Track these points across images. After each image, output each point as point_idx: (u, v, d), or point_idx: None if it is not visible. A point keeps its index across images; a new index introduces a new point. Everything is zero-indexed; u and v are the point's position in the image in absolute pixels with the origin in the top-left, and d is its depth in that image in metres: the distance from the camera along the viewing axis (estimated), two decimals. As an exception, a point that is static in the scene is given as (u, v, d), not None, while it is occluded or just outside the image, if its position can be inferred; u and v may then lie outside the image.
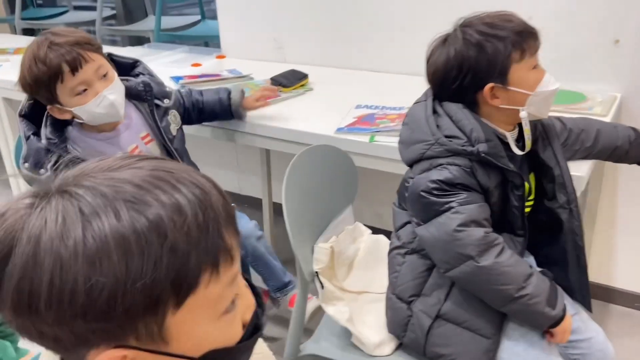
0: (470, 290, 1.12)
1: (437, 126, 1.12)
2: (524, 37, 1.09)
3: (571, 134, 1.29)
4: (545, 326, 1.11)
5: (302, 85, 1.98)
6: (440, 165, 1.09)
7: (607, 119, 1.59)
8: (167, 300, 0.49)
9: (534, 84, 1.11)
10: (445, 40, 1.14)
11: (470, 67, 1.09)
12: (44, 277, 0.47)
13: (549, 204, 1.21)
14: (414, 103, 1.22)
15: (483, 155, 1.07)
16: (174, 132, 1.58)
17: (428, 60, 1.17)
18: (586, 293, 1.22)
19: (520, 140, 1.19)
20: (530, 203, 1.25)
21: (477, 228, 1.07)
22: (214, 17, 2.66)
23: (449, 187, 1.08)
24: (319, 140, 1.55)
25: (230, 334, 0.56)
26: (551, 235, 1.23)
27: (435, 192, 1.08)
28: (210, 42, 3.17)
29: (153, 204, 0.49)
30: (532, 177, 1.24)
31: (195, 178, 0.53)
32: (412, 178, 1.14)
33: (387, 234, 1.66)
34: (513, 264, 1.08)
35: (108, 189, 0.49)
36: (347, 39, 2.15)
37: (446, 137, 1.10)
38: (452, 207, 1.07)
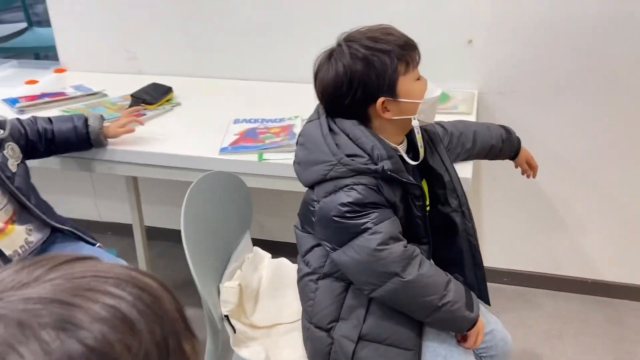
0: (396, 306, 1.12)
1: (337, 145, 1.10)
2: (407, 50, 1.11)
3: (452, 137, 1.35)
4: (465, 329, 1.15)
5: (168, 100, 1.82)
6: (347, 186, 1.07)
7: (472, 117, 1.71)
8: None
9: (421, 93, 1.14)
10: (330, 55, 1.12)
11: (361, 82, 1.09)
12: None
13: (442, 208, 1.25)
14: (307, 121, 1.18)
15: (389, 172, 1.07)
16: (13, 169, 1.35)
17: (316, 77, 1.14)
18: (484, 289, 1.29)
19: (410, 151, 1.21)
20: (427, 210, 1.29)
21: (397, 243, 1.07)
22: (43, 24, 2.33)
23: (360, 207, 1.06)
24: (202, 163, 1.44)
25: None
26: (447, 238, 1.27)
27: (348, 215, 1.06)
28: (41, 53, 2.79)
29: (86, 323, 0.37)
30: (424, 184, 1.28)
31: (135, 277, 0.42)
32: (316, 201, 1.10)
33: (270, 244, 1.62)
34: (433, 273, 1.10)
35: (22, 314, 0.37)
36: (209, 46, 2.02)
37: (348, 156, 1.08)
38: (369, 228, 1.05)
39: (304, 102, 1.36)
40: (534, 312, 2.02)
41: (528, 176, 1.50)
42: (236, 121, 1.64)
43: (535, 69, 1.81)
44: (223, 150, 1.48)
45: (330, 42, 1.14)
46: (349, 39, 1.11)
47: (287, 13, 1.92)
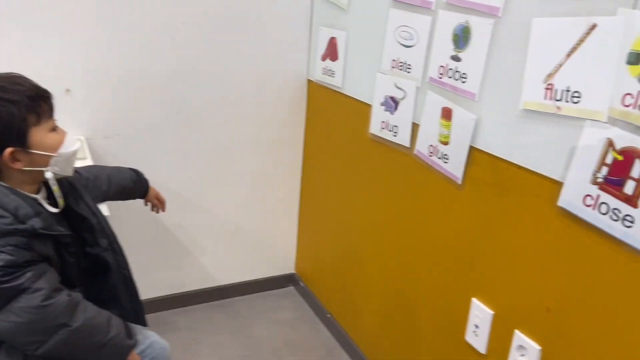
0: (65, 355, 1.11)
1: None
2: (37, 101, 1.12)
3: (89, 182, 1.41)
4: (127, 355, 1.23)
5: None
6: (-5, 250, 1.01)
7: (89, 161, 1.77)
8: None
9: (56, 146, 1.17)
10: None
11: None
12: None
13: (92, 250, 1.30)
14: None
15: (40, 230, 1.06)
16: None
17: None
18: (140, 312, 1.40)
19: (51, 197, 1.22)
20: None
21: (60, 294, 1.07)
22: None
23: (14, 269, 1.02)
24: None
25: None
26: (100, 277, 1.32)
27: (2, 279, 1.00)
28: None
29: None
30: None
31: None
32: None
33: None
34: (96, 313, 1.15)
35: None
36: None
37: None
38: (28, 287, 1.02)
39: None
40: (172, 334, 2.21)
41: (157, 211, 1.68)
42: None
43: (133, 113, 2.01)
44: None
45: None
46: None
47: None
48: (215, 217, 2.31)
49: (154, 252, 2.23)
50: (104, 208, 1.47)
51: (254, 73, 2.16)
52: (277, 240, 2.50)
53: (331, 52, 2.05)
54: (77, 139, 1.24)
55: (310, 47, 2.21)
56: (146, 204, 1.66)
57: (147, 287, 2.26)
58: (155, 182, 2.06)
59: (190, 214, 2.26)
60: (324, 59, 2.10)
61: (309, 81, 2.26)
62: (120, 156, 2.02)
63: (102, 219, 1.29)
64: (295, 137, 2.34)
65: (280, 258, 2.54)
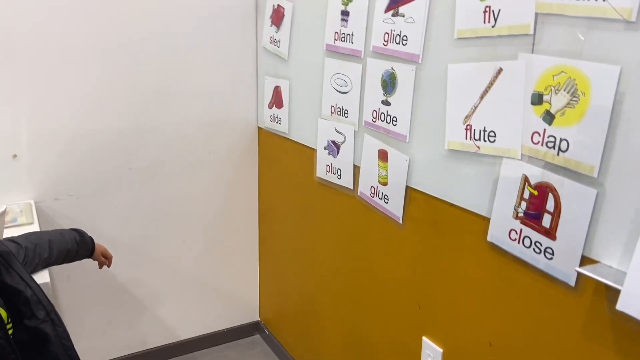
0: None
1: None
2: None
3: (28, 251, 1.39)
4: None
5: None
6: None
7: (36, 226, 1.76)
8: None
9: None
10: None
11: None
12: None
13: (29, 322, 1.27)
14: None
15: None
16: None
17: None
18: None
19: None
20: (10, 326, 1.27)
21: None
22: None
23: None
24: None
25: None
26: (40, 349, 1.29)
27: None
28: None
29: None
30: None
31: None
32: None
33: None
34: None
35: None
36: None
37: None
38: None
39: None
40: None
41: (101, 266, 1.66)
42: None
43: (83, 173, 2.01)
44: None
45: None
46: None
47: None
48: (173, 270, 2.30)
49: (110, 311, 2.20)
50: (44, 273, 1.46)
51: (205, 124, 2.19)
52: (239, 288, 2.48)
53: (277, 100, 2.10)
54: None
55: (257, 96, 2.26)
56: (95, 261, 1.65)
57: (105, 350, 2.23)
58: (110, 238, 2.06)
59: (147, 269, 2.24)
60: (270, 106, 2.15)
61: (260, 128, 2.29)
62: (73, 216, 2.01)
63: (37, 290, 1.27)
64: (249, 183, 2.37)
65: (244, 306, 2.52)
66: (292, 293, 2.23)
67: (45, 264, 1.44)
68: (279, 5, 1.99)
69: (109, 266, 1.68)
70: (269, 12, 2.07)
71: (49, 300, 1.28)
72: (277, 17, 2.01)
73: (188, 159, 2.20)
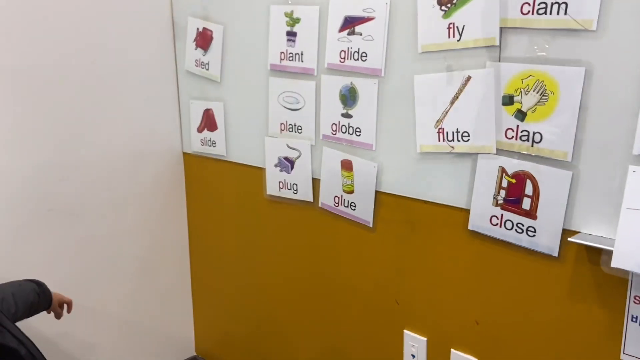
0: None
1: None
2: None
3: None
4: None
5: None
6: None
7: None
8: None
9: None
10: None
11: None
12: None
13: None
14: None
15: None
16: None
17: None
18: None
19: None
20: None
21: None
22: None
23: None
24: None
25: None
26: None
27: None
28: None
29: None
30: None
31: None
32: None
33: None
34: None
35: None
36: None
37: None
38: None
39: None
40: None
41: (59, 317, 1.51)
42: None
43: None
44: None
45: None
46: None
47: None
48: (104, 314, 2.13)
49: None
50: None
51: (128, 154, 2.08)
52: (172, 324, 2.38)
53: (208, 123, 2.08)
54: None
55: (181, 121, 2.21)
56: (49, 313, 1.50)
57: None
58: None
59: (76, 319, 2.04)
60: (200, 130, 2.12)
61: (185, 154, 2.24)
62: None
63: (30, 346, 1.15)
64: (177, 213, 2.29)
65: (178, 342, 2.42)
66: (241, 320, 2.20)
67: (13, 320, 1.29)
68: (204, 29, 1.99)
69: (69, 312, 1.53)
70: (191, 35, 2.05)
71: (42, 356, 1.16)
72: (204, 40, 2.00)
73: (110, 193, 2.07)
